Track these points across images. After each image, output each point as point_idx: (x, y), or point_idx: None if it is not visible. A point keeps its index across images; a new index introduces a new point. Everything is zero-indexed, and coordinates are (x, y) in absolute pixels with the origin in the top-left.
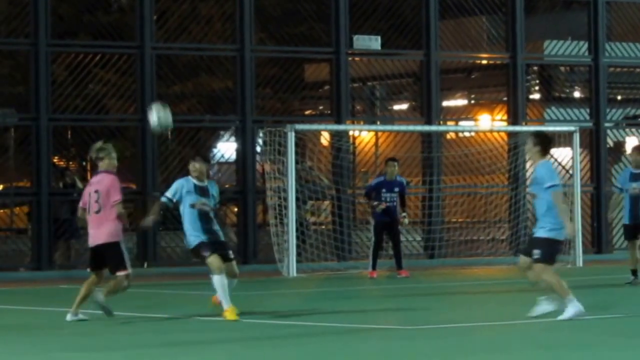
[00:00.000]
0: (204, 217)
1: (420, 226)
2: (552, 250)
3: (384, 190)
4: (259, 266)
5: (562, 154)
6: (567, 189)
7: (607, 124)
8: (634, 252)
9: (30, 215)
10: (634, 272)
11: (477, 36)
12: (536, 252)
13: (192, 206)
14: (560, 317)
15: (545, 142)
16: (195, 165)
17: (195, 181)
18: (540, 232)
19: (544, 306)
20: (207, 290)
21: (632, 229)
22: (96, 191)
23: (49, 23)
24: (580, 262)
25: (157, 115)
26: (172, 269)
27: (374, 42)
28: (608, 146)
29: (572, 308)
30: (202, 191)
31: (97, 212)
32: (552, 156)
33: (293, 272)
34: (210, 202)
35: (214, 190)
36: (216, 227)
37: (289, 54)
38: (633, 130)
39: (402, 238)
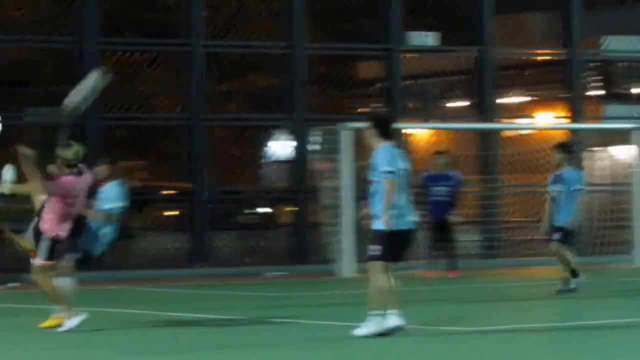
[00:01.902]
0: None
1: (477, 226)
2: (388, 244)
3: (429, 184)
4: (313, 266)
5: (620, 152)
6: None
7: None
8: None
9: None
10: (573, 274)
11: (533, 32)
12: (372, 249)
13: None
14: (355, 332)
15: (382, 125)
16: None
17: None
18: (376, 224)
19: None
20: (257, 291)
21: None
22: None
23: (95, 20)
24: None
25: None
26: (226, 269)
27: (428, 39)
28: None
29: (372, 325)
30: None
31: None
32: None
33: (349, 272)
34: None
35: (110, 193)
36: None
37: (341, 51)
38: None
39: (461, 237)
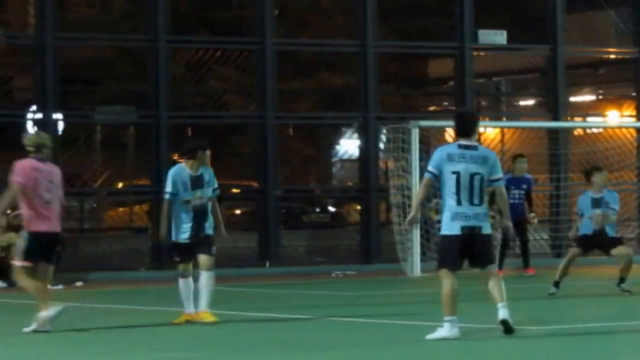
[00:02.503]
0: (196, 212)
1: (548, 224)
2: (445, 250)
3: (512, 187)
4: (382, 265)
5: None
6: None
7: None
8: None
9: (150, 213)
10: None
11: (605, 30)
12: (436, 255)
13: (187, 202)
14: (427, 336)
15: (456, 122)
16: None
17: (190, 171)
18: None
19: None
20: (327, 290)
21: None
22: (50, 181)
23: (168, 19)
24: None
25: None
26: (295, 268)
27: (499, 37)
28: None
29: (442, 330)
30: (196, 182)
31: (48, 202)
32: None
33: (417, 272)
34: (206, 193)
35: (207, 176)
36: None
37: (412, 49)
38: None
39: (530, 237)
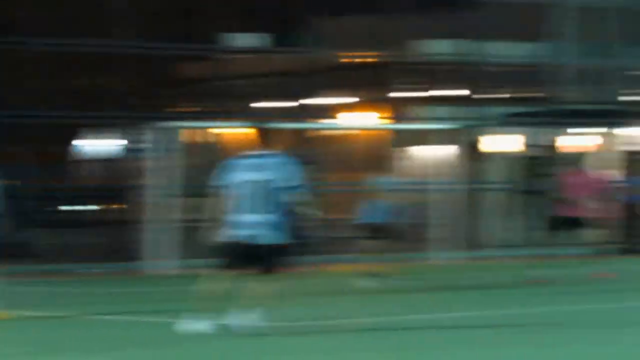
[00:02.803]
0: None
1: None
2: (221, 253)
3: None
4: (131, 264)
5: (436, 152)
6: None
7: (483, 122)
8: None
9: None
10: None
11: (360, 35)
12: None
13: None
14: (180, 327)
15: (252, 133)
16: None
17: None
18: None
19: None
20: (82, 287)
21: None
22: None
23: None
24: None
25: None
26: (47, 265)
27: (255, 40)
28: (480, 144)
29: (200, 325)
30: None
31: None
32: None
33: (171, 269)
34: None
35: None
36: None
37: (168, 51)
38: (510, 128)
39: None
